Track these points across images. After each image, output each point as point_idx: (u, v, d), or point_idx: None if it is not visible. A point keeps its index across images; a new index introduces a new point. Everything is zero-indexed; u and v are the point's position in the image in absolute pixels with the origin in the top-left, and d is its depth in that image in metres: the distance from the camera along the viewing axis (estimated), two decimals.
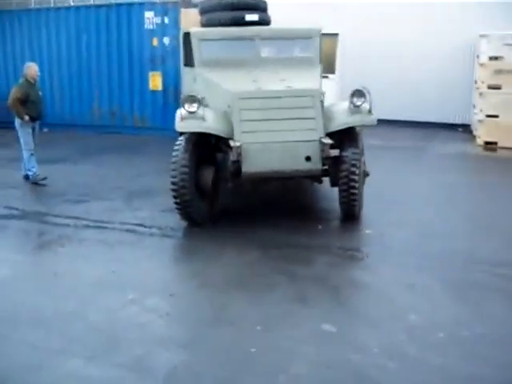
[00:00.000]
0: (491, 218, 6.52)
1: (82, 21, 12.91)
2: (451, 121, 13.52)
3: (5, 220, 6.72)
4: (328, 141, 5.69)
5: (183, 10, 8.27)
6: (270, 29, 7.51)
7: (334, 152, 5.79)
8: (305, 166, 5.69)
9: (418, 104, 13.37)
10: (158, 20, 12.21)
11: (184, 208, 5.92)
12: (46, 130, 13.17)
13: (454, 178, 8.39)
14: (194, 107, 5.76)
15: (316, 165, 5.70)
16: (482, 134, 11.18)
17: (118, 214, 6.80)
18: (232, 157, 5.58)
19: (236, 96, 5.85)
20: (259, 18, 7.60)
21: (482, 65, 11.22)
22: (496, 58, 11.07)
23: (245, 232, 5.99)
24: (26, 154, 8.46)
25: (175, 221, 6.33)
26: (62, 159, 9.91)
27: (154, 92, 12.51)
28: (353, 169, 5.84)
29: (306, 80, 6.51)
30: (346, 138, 6.00)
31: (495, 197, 7.40)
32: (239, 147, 5.55)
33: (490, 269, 5.04)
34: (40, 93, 8.69)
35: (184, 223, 6.25)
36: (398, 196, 7.37)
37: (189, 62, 7.67)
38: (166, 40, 12.22)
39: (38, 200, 7.59)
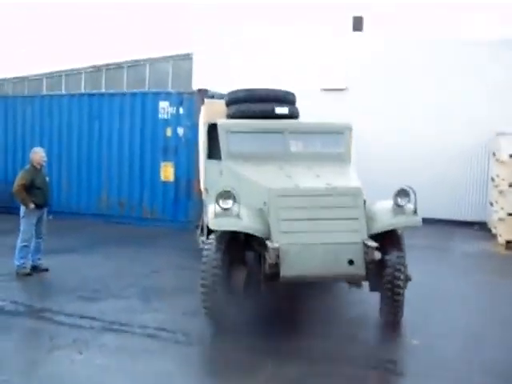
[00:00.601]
0: None
1: (94, 108, 12.75)
2: (466, 218, 13.26)
3: (10, 317, 6.18)
4: (373, 243, 5.28)
5: (207, 101, 8.08)
6: (299, 123, 7.37)
7: (377, 255, 5.37)
8: (347, 270, 5.25)
9: (431, 201, 13.08)
10: (172, 110, 12.07)
11: (214, 312, 5.45)
12: (50, 217, 12.76)
13: (486, 279, 8.05)
14: (228, 204, 5.39)
15: (359, 269, 5.25)
16: (504, 233, 10.84)
17: (136, 316, 6.25)
18: (270, 259, 5.13)
19: (274, 193, 5.49)
20: (289, 110, 7.45)
21: (502, 162, 11.01)
22: None
23: (279, 341, 5.44)
24: (20, 243, 8.02)
25: (200, 325, 5.83)
26: (69, 250, 9.42)
27: (165, 183, 12.21)
28: (397, 273, 5.48)
29: (342, 177, 6.25)
30: (388, 239, 5.62)
31: None
32: (277, 249, 5.12)
33: None
34: (47, 179, 8.34)
35: (211, 328, 5.71)
36: (436, 300, 6.92)
37: (213, 155, 7.45)
38: (180, 130, 12.05)
39: (47, 295, 7.06)
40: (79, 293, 7.08)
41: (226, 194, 5.42)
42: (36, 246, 8.20)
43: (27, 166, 8.22)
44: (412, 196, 5.63)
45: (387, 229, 5.58)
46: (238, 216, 5.33)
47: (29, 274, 7.95)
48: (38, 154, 8.15)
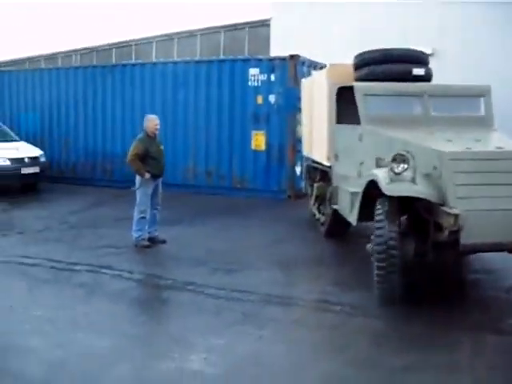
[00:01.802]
0: None
1: (180, 76, 12.39)
2: None
3: (161, 291, 6.08)
4: None
5: (331, 64, 7.65)
6: (439, 85, 6.94)
7: None
8: None
9: None
10: (263, 77, 11.65)
11: (390, 283, 5.09)
12: (133, 188, 12.58)
13: None
14: (401, 168, 5.04)
15: None
16: None
17: (287, 287, 5.99)
18: (449, 226, 4.81)
19: (448, 156, 5.08)
20: (425, 72, 7.02)
21: None
22: None
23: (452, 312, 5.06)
24: (136, 215, 7.76)
25: (361, 297, 5.56)
26: (174, 222, 9.10)
27: (256, 152, 11.85)
28: None
29: (504, 141, 5.76)
30: None
31: None
32: (458, 215, 4.77)
33: None
34: (162, 147, 8.01)
35: (374, 300, 5.36)
36: None
37: (344, 119, 7.11)
38: (272, 98, 11.64)
39: (179, 267, 6.78)
40: (212, 265, 6.83)
41: (400, 158, 5.08)
42: (152, 218, 7.96)
43: (140, 135, 7.92)
44: None
45: None
46: (413, 181, 5.02)
47: (148, 246, 7.73)
48: (153, 122, 7.84)
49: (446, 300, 5.51)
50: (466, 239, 4.88)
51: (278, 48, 14.41)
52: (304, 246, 7.77)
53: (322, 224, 8.34)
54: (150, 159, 7.70)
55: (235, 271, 6.58)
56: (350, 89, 6.80)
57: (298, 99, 11.57)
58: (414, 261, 5.34)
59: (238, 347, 4.51)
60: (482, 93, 6.85)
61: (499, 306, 5.47)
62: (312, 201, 8.98)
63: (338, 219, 7.43)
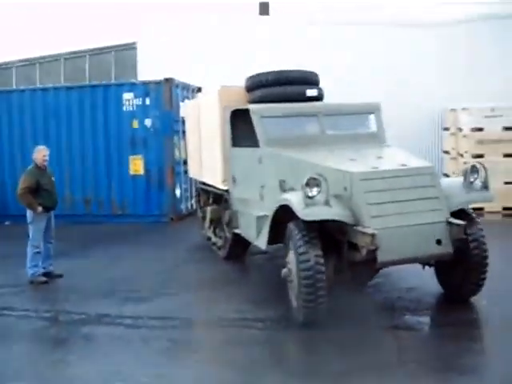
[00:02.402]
0: None
1: (50, 103, 11.99)
2: None
3: (79, 326, 5.80)
4: (460, 222, 5.31)
5: (222, 87, 7.77)
6: (332, 104, 7.19)
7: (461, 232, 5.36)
8: (436, 249, 5.21)
9: None
10: (138, 101, 11.66)
11: (318, 303, 5.14)
12: (7, 223, 12.00)
13: None
14: (315, 192, 5.14)
15: (447, 248, 5.23)
16: None
17: (206, 310, 6.11)
18: (368, 245, 4.95)
19: (358, 177, 5.25)
20: (317, 92, 7.32)
21: (464, 136, 11.67)
22: (478, 130, 11.57)
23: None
24: (30, 251, 7.49)
25: (275, 312, 5.82)
26: (66, 253, 8.74)
27: (134, 177, 11.79)
28: (483, 246, 5.54)
29: (405, 157, 6.06)
30: (463, 215, 5.61)
31: None
32: (375, 234, 4.92)
33: None
34: (53, 178, 7.80)
35: (286, 315, 5.62)
36: None
37: (239, 142, 7.23)
38: (148, 122, 11.69)
39: (85, 300, 6.56)
40: (120, 295, 6.74)
41: (313, 182, 5.16)
42: (46, 252, 7.67)
43: (30, 167, 7.65)
44: (482, 172, 5.70)
45: (462, 206, 5.63)
46: (327, 203, 5.11)
47: (45, 282, 7.45)
48: (41, 153, 7.61)
49: (357, 305, 5.90)
50: (383, 257, 5.03)
51: (145, 71, 14.44)
52: (206, 269, 7.87)
53: (220, 247, 8.37)
54: (42, 191, 7.45)
55: (146, 299, 6.55)
56: (245, 111, 6.88)
57: (175, 122, 11.79)
58: (332, 280, 5.41)
59: (179, 374, 4.56)
60: (372, 110, 7.13)
61: (404, 305, 5.98)
62: (206, 224, 9.00)
63: (238, 242, 7.56)
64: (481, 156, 11.51)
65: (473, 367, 4.54)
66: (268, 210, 6.10)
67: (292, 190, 5.90)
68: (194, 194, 12.25)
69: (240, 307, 6.11)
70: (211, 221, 8.72)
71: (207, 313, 6.01)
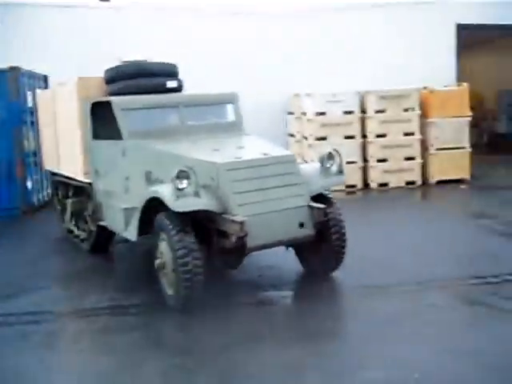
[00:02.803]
0: None
1: None
2: None
3: None
4: (320, 205, 5.74)
5: (80, 78, 7.55)
6: (192, 95, 7.38)
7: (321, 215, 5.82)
8: (300, 232, 5.67)
9: None
10: None
11: (194, 288, 5.35)
12: None
13: None
14: (184, 184, 5.28)
15: (309, 230, 5.71)
16: None
17: (79, 300, 6.15)
18: (237, 232, 5.19)
19: (223, 167, 5.50)
20: (177, 83, 7.47)
21: (309, 120, 12.50)
22: (321, 114, 12.45)
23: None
24: None
25: (147, 298, 6.06)
26: None
27: None
28: (342, 224, 6.08)
29: (265, 146, 6.40)
30: (319, 197, 6.09)
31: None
32: (244, 222, 5.17)
33: None
34: None
35: (158, 300, 5.86)
36: None
37: (101, 135, 7.24)
38: None
39: None
40: None
41: (183, 174, 5.29)
42: None
43: None
44: (337, 158, 6.18)
45: (321, 191, 6.12)
46: (197, 195, 5.32)
47: None
48: None
49: (223, 286, 6.31)
50: (251, 242, 5.34)
51: None
52: (71, 260, 7.82)
53: (83, 240, 8.29)
54: None
55: (14, 295, 6.40)
56: (105, 103, 6.88)
57: (23, 112, 11.37)
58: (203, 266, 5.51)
59: (65, 364, 4.67)
60: (230, 99, 7.40)
61: (266, 282, 6.46)
62: (67, 217, 8.83)
63: (102, 234, 7.60)
64: (324, 138, 12.42)
65: (334, 331, 5.10)
66: (134, 202, 6.24)
67: (158, 181, 6.08)
68: (48, 186, 11.98)
69: (113, 295, 6.23)
70: (72, 213, 8.62)
71: (81, 303, 6.04)
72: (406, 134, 12.48)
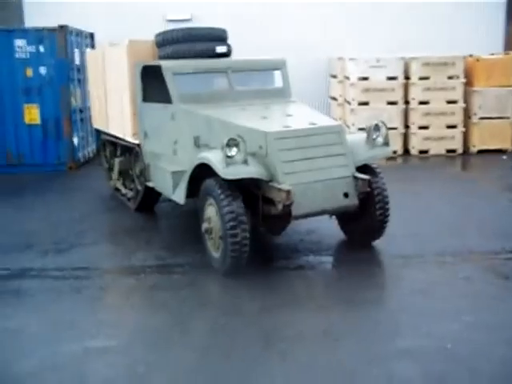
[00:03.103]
0: None
1: None
2: None
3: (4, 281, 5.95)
4: (365, 176, 5.85)
5: (131, 41, 7.66)
6: (240, 60, 7.47)
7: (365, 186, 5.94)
8: (343, 202, 5.77)
9: None
10: (31, 49, 11.37)
11: (242, 252, 5.53)
12: None
13: None
14: (233, 151, 5.40)
15: (353, 200, 5.81)
16: None
17: (127, 258, 6.48)
18: (284, 200, 5.32)
19: (272, 136, 5.62)
20: (226, 49, 7.59)
21: (352, 84, 12.50)
22: (364, 79, 12.44)
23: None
24: None
25: (192, 258, 6.35)
26: None
27: (30, 126, 11.61)
28: (385, 193, 6.19)
29: (313, 115, 6.55)
30: (365, 168, 6.19)
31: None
32: (290, 191, 5.29)
33: None
34: None
35: (202, 261, 6.19)
36: None
37: (150, 98, 7.39)
38: (43, 70, 11.45)
39: (5, 255, 6.71)
40: (37, 248, 6.88)
41: (233, 143, 5.39)
42: None
43: None
44: (383, 130, 6.26)
45: (367, 162, 6.16)
46: (245, 163, 5.44)
47: None
48: None
49: (264, 250, 6.57)
50: (297, 211, 5.48)
51: (33, 15, 13.96)
52: (118, 217, 8.15)
53: (129, 199, 8.53)
54: None
55: (65, 250, 6.77)
56: (156, 67, 6.98)
57: (71, 70, 11.68)
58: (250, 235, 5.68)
59: (120, 320, 5.00)
60: (278, 66, 7.48)
61: (306, 246, 6.69)
62: (115, 175, 9.11)
63: (149, 194, 7.84)
64: (366, 103, 12.44)
65: (371, 299, 5.31)
66: (182, 165, 6.49)
67: (207, 146, 6.26)
68: (92, 142, 12.37)
69: (159, 254, 6.56)
70: (120, 172, 8.90)
71: (129, 260, 6.36)
72: (449, 102, 12.39)
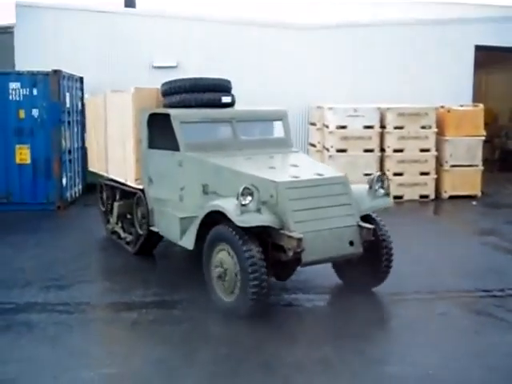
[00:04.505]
0: None
1: None
2: None
3: (12, 315, 6.27)
4: (369, 225, 6.14)
5: (137, 89, 7.88)
6: (244, 111, 7.68)
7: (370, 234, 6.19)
8: (349, 250, 6.03)
9: None
10: (25, 91, 11.85)
11: (261, 293, 5.73)
12: None
13: None
14: (247, 200, 5.64)
15: (358, 248, 6.07)
16: None
17: (126, 294, 6.85)
18: (295, 248, 5.58)
19: (283, 186, 5.88)
20: (231, 99, 7.80)
21: (330, 132, 13.19)
22: (342, 127, 13.14)
23: None
24: None
25: (188, 295, 6.74)
26: None
27: (21, 166, 12.00)
28: (391, 245, 6.53)
29: (317, 166, 6.99)
30: (366, 217, 6.49)
31: None
32: (301, 238, 5.56)
33: None
34: None
35: (200, 297, 6.57)
36: None
37: (156, 144, 7.54)
38: (35, 112, 11.91)
39: (8, 291, 6.98)
40: (38, 284, 7.16)
41: (247, 191, 5.63)
42: None
43: None
44: (386, 182, 6.56)
45: (370, 211, 6.48)
46: (259, 211, 5.68)
47: None
48: None
49: None
50: (306, 258, 5.73)
51: (24, 58, 14.46)
52: (114, 256, 8.52)
53: (129, 243, 8.64)
54: None
55: (66, 286, 7.10)
56: (163, 115, 7.24)
57: (62, 112, 12.16)
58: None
59: (128, 353, 5.37)
60: (280, 116, 7.77)
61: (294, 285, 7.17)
62: (113, 219, 9.16)
63: (151, 239, 8.04)
64: (344, 151, 13.12)
65: (361, 333, 5.75)
66: (189, 212, 6.77)
67: (215, 194, 6.49)
68: (79, 183, 12.74)
69: (157, 291, 6.95)
70: (119, 216, 8.93)
71: (129, 297, 6.72)
72: (422, 150, 13.16)
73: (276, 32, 15.41)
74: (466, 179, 13.23)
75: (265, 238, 5.88)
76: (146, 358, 5.19)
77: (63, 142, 12.37)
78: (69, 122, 12.86)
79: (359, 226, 6.13)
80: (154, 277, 7.56)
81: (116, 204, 8.91)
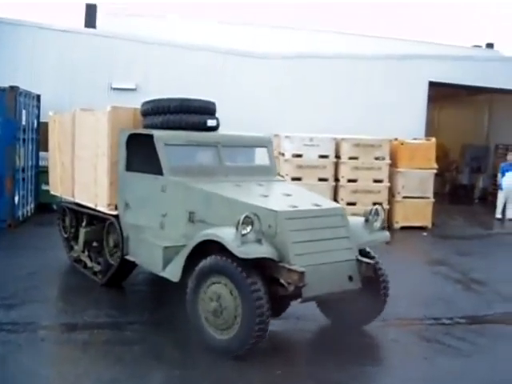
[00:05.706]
0: None
1: None
2: None
3: None
4: (369, 260, 5.87)
5: (113, 108, 7.31)
6: (229, 135, 7.25)
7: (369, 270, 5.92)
8: (348, 285, 5.70)
9: None
10: None
11: (266, 332, 5.40)
12: None
13: None
14: (247, 230, 5.23)
15: (357, 284, 5.75)
16: None
17: (79, 314, 6.73)
18: (296, 282, 5.22)
19: (282, 216, 5.50)
20: (216, 123, 7.34)
21: (286, 160, 13.37)
22: (298, 156, 13.35)
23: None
24: None
25: (140, 317, 6.73)
26: None
27: None
28: (386, 277, 6.36)
29: (311, 196, 6.55)
30: (361, 251, 6.17)
31: None
32: (304, 273, 5.17)
33: None
34: None
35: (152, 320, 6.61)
36: None
37: (135, 167, 7.03)
38: None
39: None
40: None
41: (247, 221, 5.23)
42: None
43: None
44: (381, 215, 6.30)
45: (367, 246, 6.26)
46: (259, 242, 5.28)
47: None
48: None
49: None
50: (307, 293, 5.35)
51: None
52: (64, 277, 8.48)
53: (96, 273, 7.98)
54: None
55: (17, 306, 6.92)
56: (144, 136, 6.75)
57: (17, 130, 11.99)
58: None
59: (74, 372, 5.26)
60: (265, 143, 7.44)
61: None
62: (79, 247, 8.46)
63: (122, 269, 7.47)
64: (299, 179, 13.27)
65: (317, 360, 5.83)
66: (171, 240, 6.25)
67: (202, 222, 6.03)
68: (31, 201, 12.43)
69: (109, 312, 6.86)
70: (85, 243, 8.25)
71: (81, 317, 6.61)
72: (375, 181, 13.47)
73: (237, 59, 15.67)
74: (417, 210, 13.59)
75: (261, 271, 5.41)
76: (97, 378, 5.13)
77: (17, 159, 12.16)
78: (24, 140, 12.66)
79: (358, 260, 5.85)
80: (107, 297, 7.48)
81: (82, 230, 8.20)
